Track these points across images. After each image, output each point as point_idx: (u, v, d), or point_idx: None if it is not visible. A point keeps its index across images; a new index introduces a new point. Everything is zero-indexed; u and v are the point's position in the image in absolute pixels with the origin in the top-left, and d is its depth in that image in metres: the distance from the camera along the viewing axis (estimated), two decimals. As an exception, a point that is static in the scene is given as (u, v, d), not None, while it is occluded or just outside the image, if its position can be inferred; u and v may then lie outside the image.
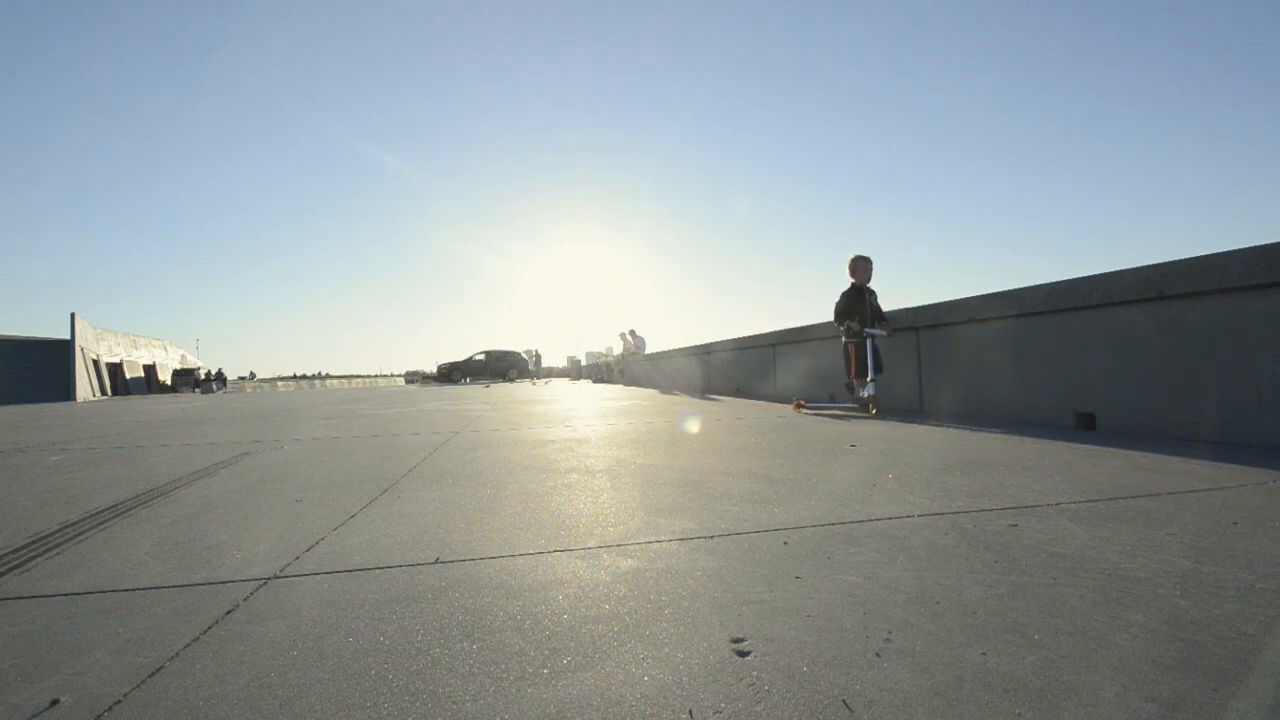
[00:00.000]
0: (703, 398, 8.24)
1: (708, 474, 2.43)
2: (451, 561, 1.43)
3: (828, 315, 5.32)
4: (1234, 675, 0.84)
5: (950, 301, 4.56)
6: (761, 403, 6.67)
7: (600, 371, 20.65)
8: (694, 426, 4.34)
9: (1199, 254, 2.90)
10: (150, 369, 33.09)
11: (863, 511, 1.75)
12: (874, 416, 4.63)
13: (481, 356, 28.87)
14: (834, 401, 5.46)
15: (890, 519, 1.66)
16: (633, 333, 16.99)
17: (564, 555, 1.46)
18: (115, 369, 29.26)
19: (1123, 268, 3.28)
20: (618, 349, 17.54)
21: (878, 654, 0.93)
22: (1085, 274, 3.50)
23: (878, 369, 4.91)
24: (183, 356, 40.10)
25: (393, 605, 1.18)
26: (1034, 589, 1.15)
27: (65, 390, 23.27)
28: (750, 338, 8.59)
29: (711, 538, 1.55)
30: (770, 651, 0.95)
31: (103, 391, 26.64)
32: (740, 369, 9.03)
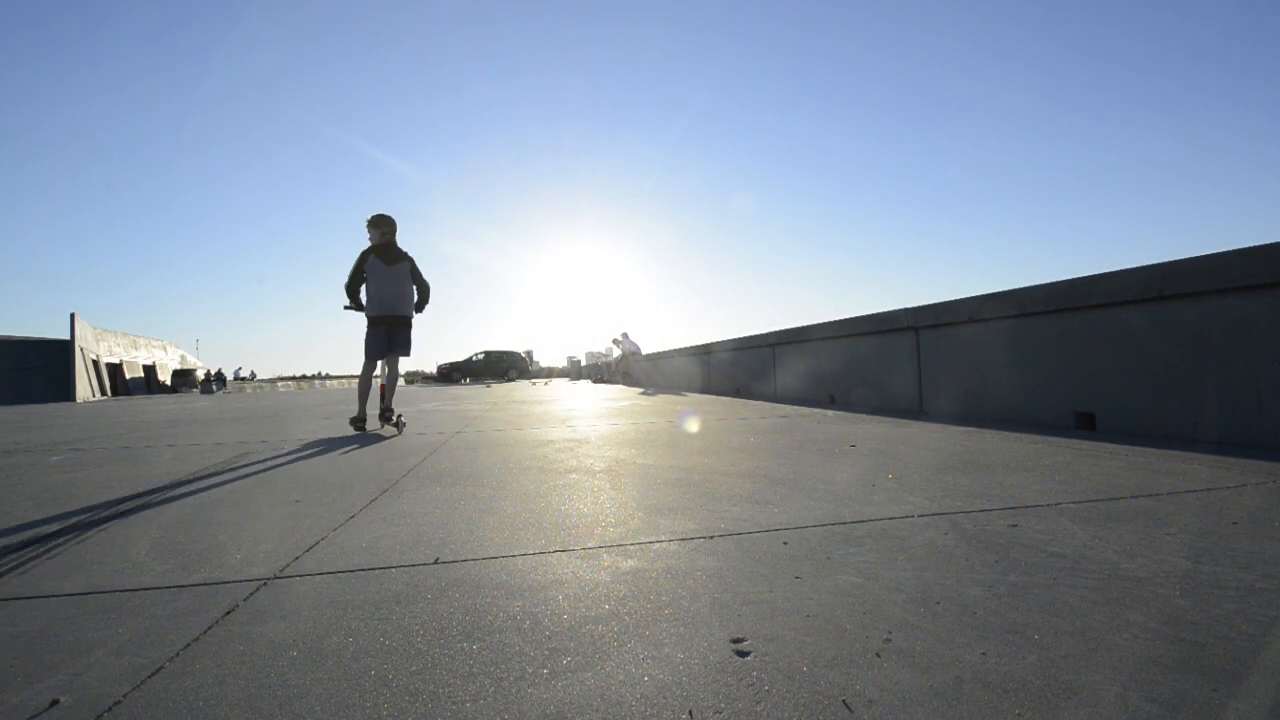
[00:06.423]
0: (703, 398, 8.24)
1: (708, 474, 2.42)
2: (451, 561, 1.43)
3: (828, 314, 5.28)
4: (1234, 675, 0.84)
5: (950, 301, 4.56)
6: (762, 403, 6.67)
7: (600, 372, 20.69)
8: (694, 426, 4.34)
9: (1199, 254, 2.91)
10: (150, 369, 33.08)
11: (862, 511, 1.75)
12: None
13: (481, 357, 28.90)
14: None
15: (890, 519, 1.66)
16: (625, 335, 17.04)
17: (564, 555, 1.46)
18: (115, 369, 29.24)
19: (1123, 268, 3.28)
20: (614, 352, 17.66)
21: (878, 654, 0.93)
22: (1085, 274, 3.51)
23: None
24: (182, 357, 40.08)
25: (392, 605, 1.18)
26: (1034, 589, 1.15)
27: (65, 390, 23.25)
28: (750, 338, 8.59)
29: (711, 538, 1.55)
30: (770, 652, 0.95)
31: (103, 392, 26.63)
32: (740, 369, 9.03)
